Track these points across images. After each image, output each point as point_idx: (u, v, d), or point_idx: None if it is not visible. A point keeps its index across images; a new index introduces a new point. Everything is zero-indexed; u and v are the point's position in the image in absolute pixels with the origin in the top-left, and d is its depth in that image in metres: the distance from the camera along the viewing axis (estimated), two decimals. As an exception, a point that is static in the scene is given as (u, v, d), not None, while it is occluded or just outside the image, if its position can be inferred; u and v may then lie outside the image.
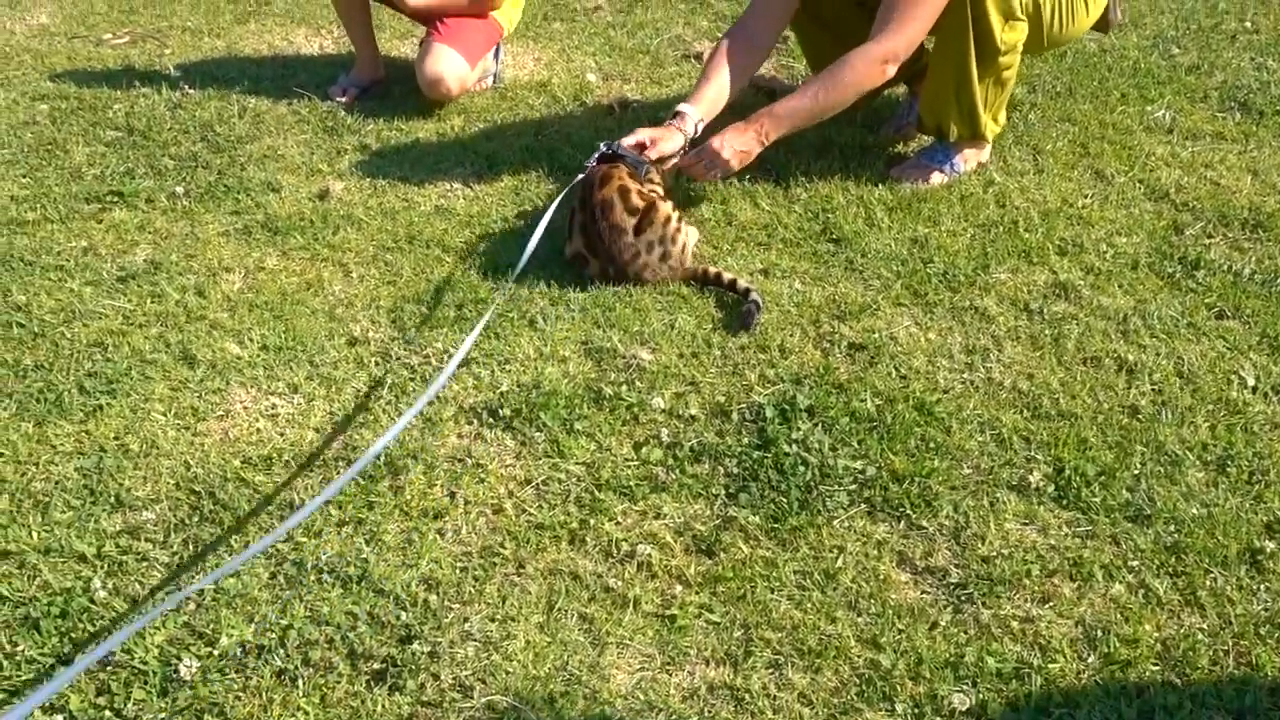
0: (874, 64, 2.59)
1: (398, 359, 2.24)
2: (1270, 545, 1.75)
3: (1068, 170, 2.92)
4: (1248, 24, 3.90)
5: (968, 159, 2.89)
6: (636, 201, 2.43)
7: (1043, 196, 2.79)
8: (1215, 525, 1.79)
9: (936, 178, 2.86)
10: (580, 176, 2.55)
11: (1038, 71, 3.47)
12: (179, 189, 2.95)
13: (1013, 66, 2.77)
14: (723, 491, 1.90)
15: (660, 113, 3.32)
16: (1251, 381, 2.12)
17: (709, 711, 1.54)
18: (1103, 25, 2.89)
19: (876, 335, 2.27)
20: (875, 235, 2.63)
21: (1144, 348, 2.22)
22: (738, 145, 2.62)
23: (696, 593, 1.72)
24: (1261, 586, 1.69)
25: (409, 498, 1.89)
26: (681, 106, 2.72)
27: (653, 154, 2.62)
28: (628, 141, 2.61)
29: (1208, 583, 1.69)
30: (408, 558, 1.78)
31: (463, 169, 3.04)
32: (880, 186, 2.84)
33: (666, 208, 2.46)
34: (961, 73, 2.70)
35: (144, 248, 2.69)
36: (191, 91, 3.58)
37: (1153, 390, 2.11)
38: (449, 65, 3.31)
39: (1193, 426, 2.01)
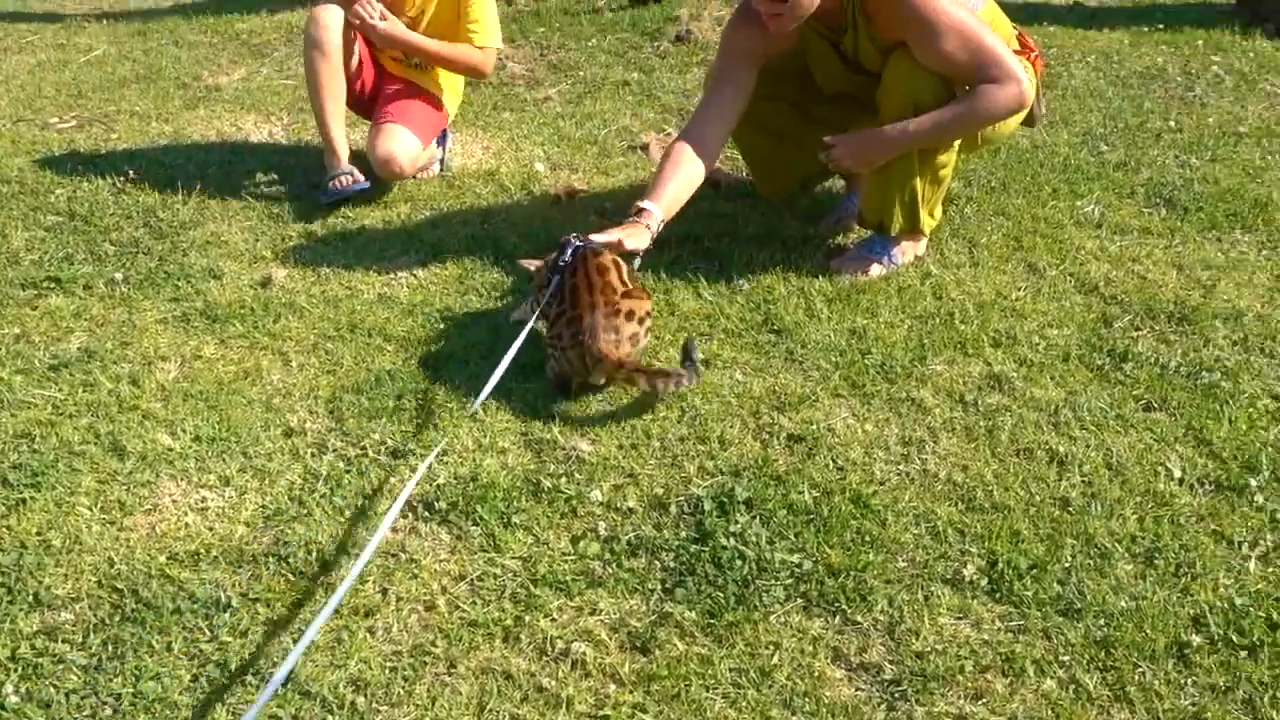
0: (1004, 94, 2.64)
1: (335, 450, 2.23)
2: (1197, 639, 1.77)
3: (1002, 263, 2.99)
4: (1172, 123, 4.05)
5: (905, 251, 2.95)
6: (629, 284, 2.46)
7: (978, 289, 2.85)
8: (1144, 619, 1.81)
9: (875, 269, 2.91)
10: (555, 274, 2.49)
11: (973, 167, 3.57)
12: (118, 275, 2.93)
13: (950, 164, 2.86)
14: (659, 586, 1.89)
15: (606, 203, 3.38)
16: (1178, 474, 2.16)
17: (641, 816, 1.51)
18: (1029, 121, 2.99)
19: (815, 426, 2.29)
20: (815, 326, 2.66)
21: (1074, 439, 2.26)
22: (872, 155, 2.77)
23: (630, 692, 1.70)
24: (1189, 680, 1.70)
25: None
26: (644, 204, 2.70)
27: (627, 246, 2.61)
28: (599, 238, 2.58)
29: (1136, 677, 1.71)
30: (336, 658, 1.74)
31: (407, 257, 3.06)
32: (820, 278, 2.89)
33: (650, 304, 2.47)
34: (904, 169, 2.78)
35: (79, 335, 2.66)
36: (136, 177, 3.58)
37: (1083, 482, 2.14)
38: (401, 144, 3.35)
39: (1121, 519, 2.04)
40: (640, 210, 2.69)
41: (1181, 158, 3.70)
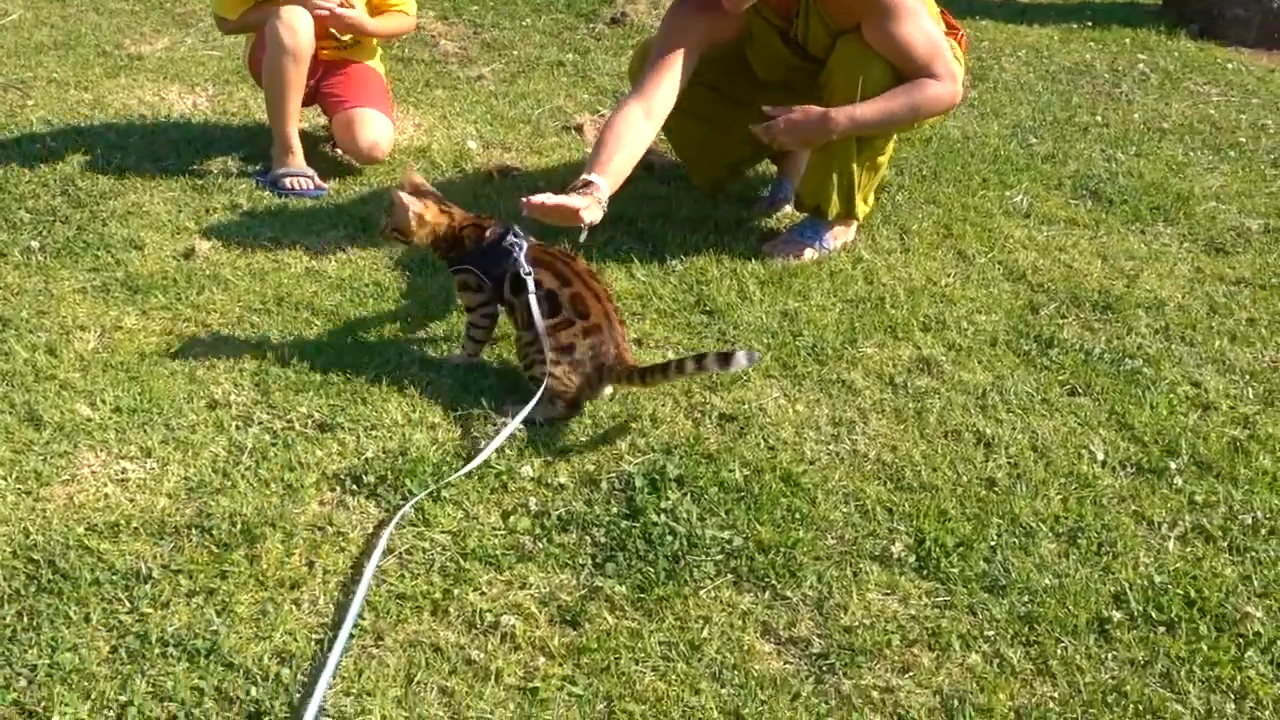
0: (944, 91, 2.71)
1: (260, 423, 2.18)
2: (1117, 615, 1.81)
3: (932, 250, 3.03)
4: (1099, 118, 4.14)
5: (837, 236, 2.98)
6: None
7: (908, 274, 2.89)
8: (1066, 595, 1.84)
9: (808, 253, 2.93)
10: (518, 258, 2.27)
11: (905, 155, 3.61)
12: (34, 244, 2.84)
13: (887, 152, 2.90)
14: (590, 561, 1.88)
15: (540, 182, 3.35)
16: (1101, 456, 2.21)
17: (569, 788, 1.50)
18: None
19: (746, 406, 2.29)
20: (748, 308, 2.67)
21: (1001, 422, 2.30)
22: (812, 135, 2.77)
23: (560, 665, 1.69)
24: (1109, 655, 1.74)
25: (265, 567, 1.82)
26: (591, 176, 2.55)
27: (585, 218, 2.46)
28: (553, 200, 2.39)
29: (1059, 652, 1.74)
30: (260, 630, 1.70)
31: (336, 231, 3.00)
32: (753, 260, 2.90)
33: None
34: (844, 153, 2.81)
35: (-8, 303, 2.57)
36: (54, 144, 3.46)
37: (1009, 463, 2.17)
38: (380, 129, 3.34)
39: (1046, 499, 2.08)
40: (587, 183, 2.54)
41: (1108, 151, 3.79)
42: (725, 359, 2.12)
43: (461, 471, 2.02)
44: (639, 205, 3.14)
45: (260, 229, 2.99)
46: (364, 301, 2.64)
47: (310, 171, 3.27)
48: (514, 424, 2.11)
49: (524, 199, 2.38)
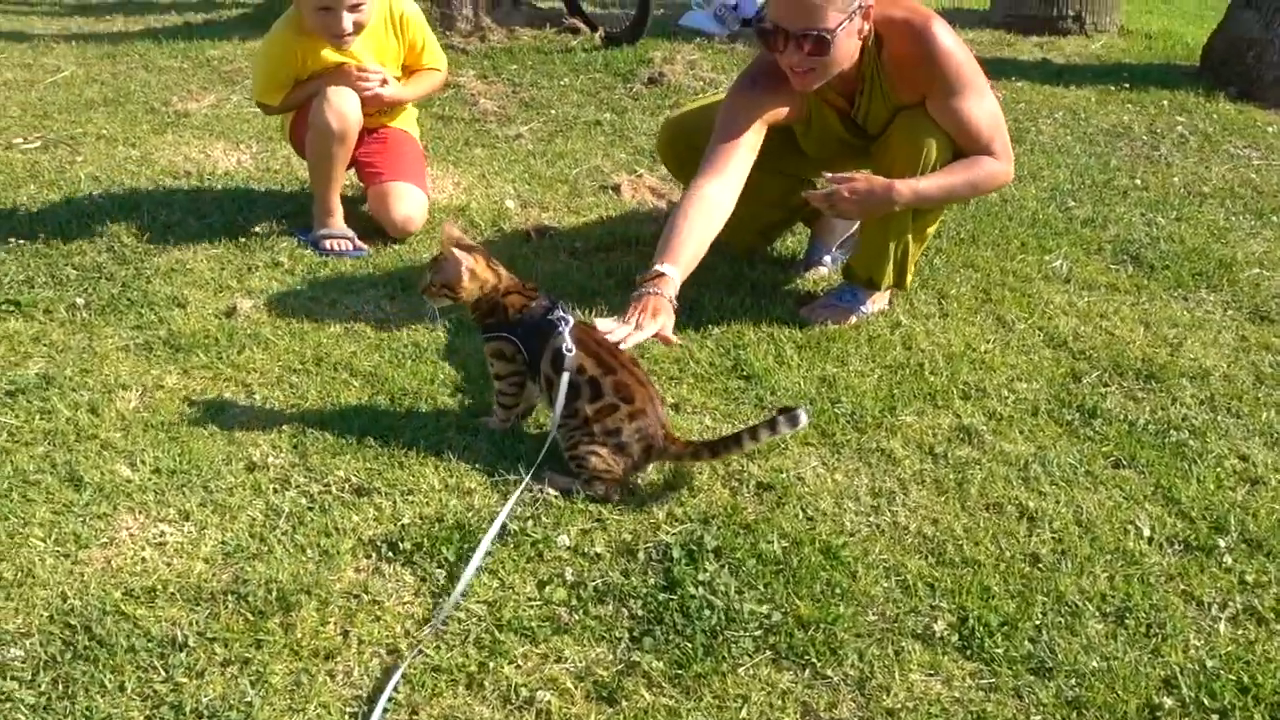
0: (1001, 170, 2.75)
1: (298, 486, 2.18)
2: (1169, 701, 1.76)
3: (971, 315, 3.01)
4: (1138, 181, 4.12)
5: (875, 301, 2.96)
6: None
7: (947, 340, 2.86)
8: (1115, 679, 1.80)
9: (851, 319, 2.92)
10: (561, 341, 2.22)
11: (943, 219, 3.60)
12: (79, 300, 2.87)
13: (936, 224, 2.92)
14: (626, 635, 1.86)
15: (577, 242, 3.37)
16: (1147, 532, 2.16)
17: None
18: None
19: (784, 475, 2.27)
20: (785, 373, 2.66)
21: (1044, 495, 2.26)
22: (876, 205, 2.72)
23: (596, 744, 1.66)
24: (1160, 744, 1.69)
25: (300, 636, 1.81)
26: (663, 267, 2.46)
27: (666, 332, 2.37)
28: (635, 338, 2.31)
29: (1109, 739, 1.69)
30: (295, 701, 1.69)
31: (375, 290, 3.02)
32: (790, 325, 2.89)
33: None
34: (900, 226, 2.82)
35: (37, 360, 2.60)
36: (101, 200, 3.52)
37: (1053, 539, 2.14)
38: (415, 204, 3.35)
39: (1092, 576, 2.03)
40: (659, 276, 2.44)
41: (1148, 215, 3.76)
42: (793, 419, 2.11)
43: (484, 538, 2.00)
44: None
45: (300, 287, 3.01)
46: (402, 363, 2.65)
47: (350, 233, 3.30)
48: (517, 492, 2.11)
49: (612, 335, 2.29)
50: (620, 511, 2.15)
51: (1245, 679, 1.80)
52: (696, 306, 2.94)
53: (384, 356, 2.68)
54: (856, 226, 3.15)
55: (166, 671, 1.72)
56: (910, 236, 2.86)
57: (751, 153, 2.71)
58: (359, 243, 3.30)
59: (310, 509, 2.11)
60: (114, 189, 3.64)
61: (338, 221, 3.32)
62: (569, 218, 3.63)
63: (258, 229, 3.37)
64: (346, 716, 1.67)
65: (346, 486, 2.18)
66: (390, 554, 2.01)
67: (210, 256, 3.19)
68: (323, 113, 3.14)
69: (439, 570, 1.96)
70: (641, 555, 2.03)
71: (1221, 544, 2.13)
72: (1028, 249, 3.44)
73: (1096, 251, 3.46)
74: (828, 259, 3.23)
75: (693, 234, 2.55)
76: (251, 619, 1.83)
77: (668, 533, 2.09)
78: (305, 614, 1.85)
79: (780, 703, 1.74)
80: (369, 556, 2.00)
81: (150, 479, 2.18)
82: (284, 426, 2.36)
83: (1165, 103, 5.10)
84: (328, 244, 3.27)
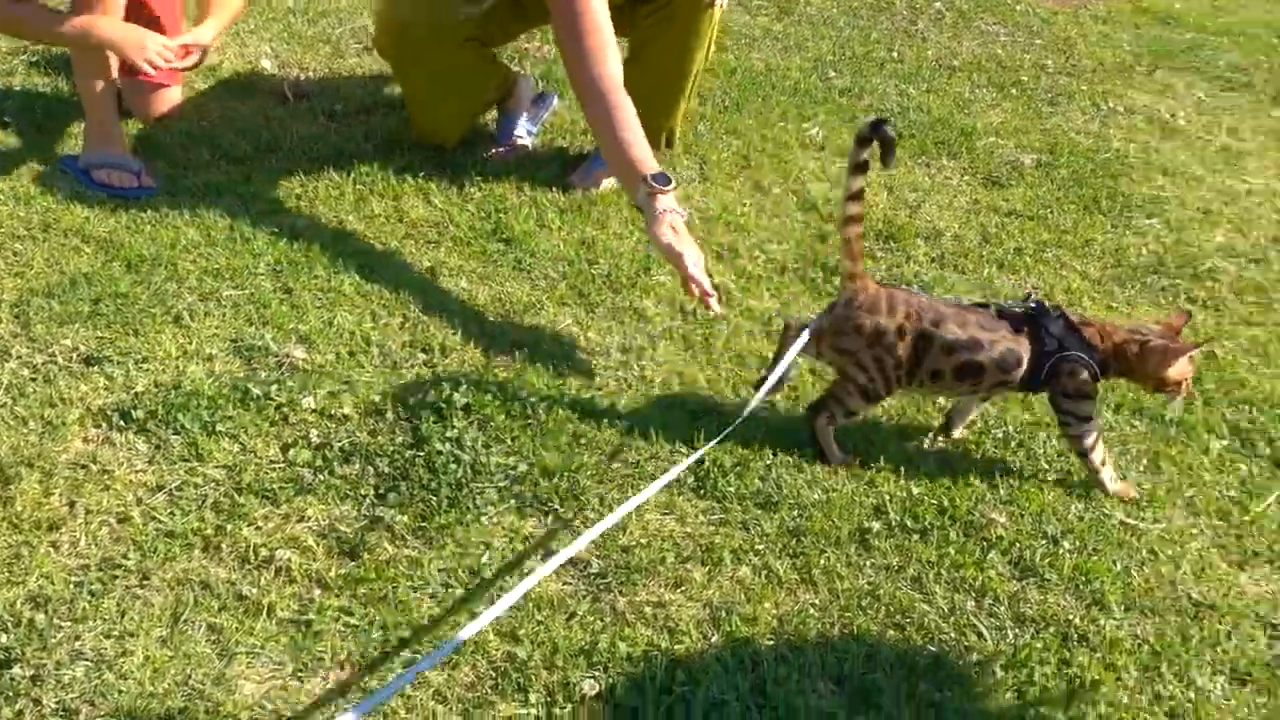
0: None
1: (19, 358, 2.06)
2: (877, 525, 1.92)
3: (730, 180, 3.09)
4: (895, 54, 4.27)
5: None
6: None
7: (705, 204, 2.93)
8: (832, 509, 1.94)
9: (607, 183, 2.94)
10: None
11: (709, 86, 3.65)
12: None
13: (696, 74, 2.96)
14: (372, 492, 1.87)
15: (337, 105, 3.24)
16: (873, 378, 2.32)
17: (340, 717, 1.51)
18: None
19: (538, 334, 2.31)
20: (545, 236, 2.67)
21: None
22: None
23: (336, 596, 1.68)
24: (867, 563, 1.85)
25: (20, 509, 1.74)
26: (651, 173, 2.29)
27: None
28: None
29: (822, 561, 1.84)
30: (13, 574, 1.63)
31: (112, 154, 2.83)
32: (554, 189, 2.89)
33: None
34: (691, 82, 2.89)
35: None
36: None
37: (789, 386, 2.26)
38: (170, 101, 3.07)
39: (822, 419, 2.17)
40: (659, 177, 2.29)
41: (901, 87, 3.92)
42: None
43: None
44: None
45: (26, 148, 2.80)
46: (140, 228, 2.51)
47: (136, 165, 2.73)
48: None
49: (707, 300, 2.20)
50: (370, 374, 2.14)
51: (945, 502, 1.98)
52: (460, 170, 2.90)
53: (121, 221, 2.53)
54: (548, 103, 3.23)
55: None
56: (672, 101, 2.86)
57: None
58: (146, 178, 2.71)
59: (33, 380, 2.01)
60: None
61: (120, 147, 2.76)
62: (330, 80, 3.48)
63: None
64: (71, 586, 1.63)
65: (74, 356, 2.08)
66: (122, 423, 1.94)
67: (-81, 117, 2.91)
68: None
69: (175, 437, 1.91)
70: (390, 415, 2.04)
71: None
72: (788, 117, 3.54)
73: (851, 120, 3.59)
74: (522, 130, 3.14)
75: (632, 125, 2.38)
76: (-35, 493, 1.75)
77: (417, 392, 2.09)
78: (26, 486, 1.77)
79: (522, 548, 1.80)
80: (99, 426, 1.93)
81: None
82: (4, 295, 2.22)
83: (927, -22, 5.28)
84: (102, 175, 2.68)
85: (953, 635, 1.74)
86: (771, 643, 1.68)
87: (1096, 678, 1.69)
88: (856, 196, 2.00)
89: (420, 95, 2.96)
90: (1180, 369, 2.01)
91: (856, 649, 1.68)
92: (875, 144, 1.99)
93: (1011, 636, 1.75)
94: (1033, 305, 2.05)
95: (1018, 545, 1.92)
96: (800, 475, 2.01)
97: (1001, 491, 2.04)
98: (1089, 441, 2.04)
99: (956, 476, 2.06)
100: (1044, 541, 1.94)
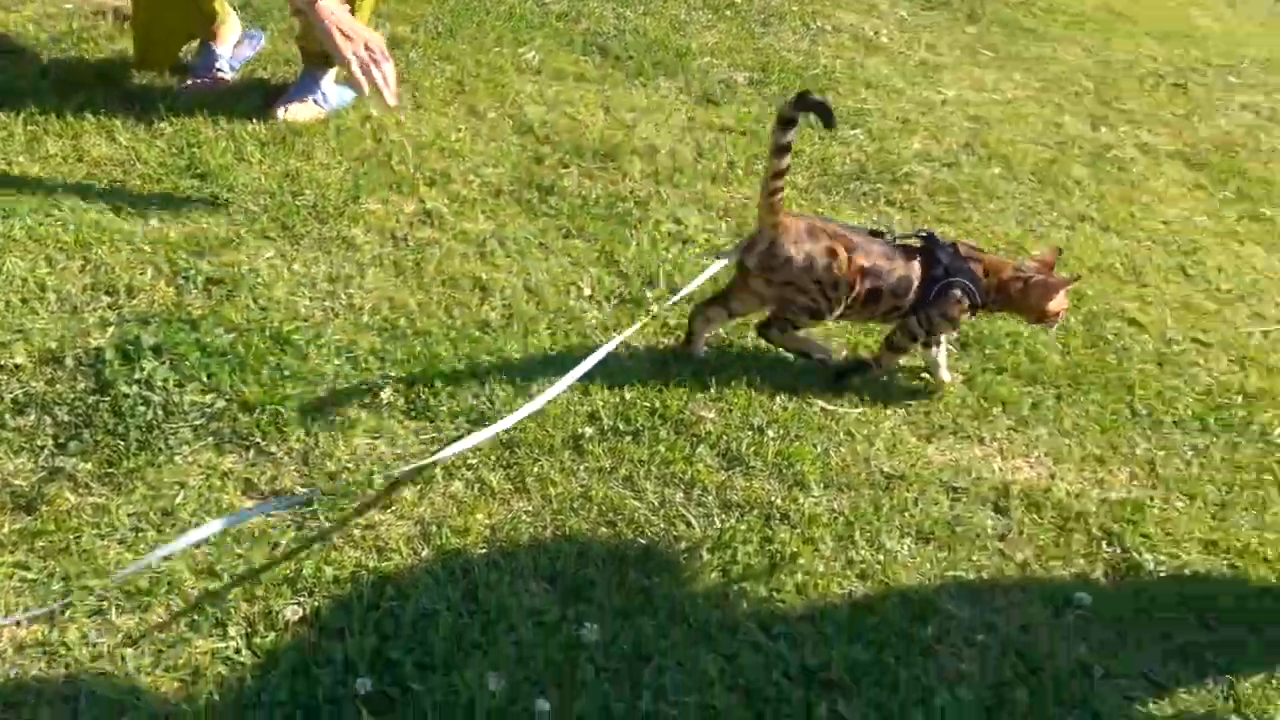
0: None
1: None
2: (590, 430, 1.95)
3: (444, 107, 3.03)
4: (613, -21, 4.29)
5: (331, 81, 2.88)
6: None
7: (419, 131, 2.87)
8: (547, 419, 1.96)
9: (313, 106, 2.82)
10: None
11: (421, 12, 3.55)
12: None
13: None
14: (50, 442, 1.75)
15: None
16: (588, 291, 2.34)
17: (18, 674, 1.41)
18: None
19: (236, 269, 2.20)
20: (244, 169, 2.54)
21: (498, 267, 2.37)
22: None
23: (11, 552, 1.56)
24: (581, 467, 1.88)
25: None
26: None
27: None
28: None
29: (535, 470, 1.86)
30: None
31: None
32: (254, 120, 2.74)
33: None
34: None
35: None
36: None
37: (503, 305, 2.25)
38: None
39: (536, 335, 2.18)
40: None
41: (618, 10, 3.93)
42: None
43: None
44: (125, 63, 2.87)
45: None
46: None
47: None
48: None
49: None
50: (45, 320, 1.98)
51: (656, 404, 2.04)
52: (147, 103, 2.71)
53: None
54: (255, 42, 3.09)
55: None
56: None
57: None
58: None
59: None
60: None
61: None
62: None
63: None
64: None
65: None
66: None
67: None
68: None
69: None
70: (69, 361, 1.90)
71: (650, 295, 2.36)
72: (504, 42, 3.49)
73: (568, 44, 3.59)
74: (224, 64, 2.95)
75: None
76: None
77: (100, 337, 1.95)
78: None
79: (220, 483, 1.73)
80: None
81: None
82: None
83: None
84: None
85: (662, 527, 1.79)
86: (484, 551, 1.69)
87: (795, 550, 1.79)
88: (779, 175, 2.02)
89: (142, 14, 2.81)
90: (1059, 302, 2.16)
91: (569, 548, 1.71)
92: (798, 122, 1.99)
93: (718, 522, 1.83)
94: (924, 235, 2.15)
95: (725, 438, 2.00)
96: (514, 388, 2.02)
97: (712, 390, 2.11)
98: (908, 346, 2.19)
99: (669, 380, 2.11)
100: (750, 432, 2.03)
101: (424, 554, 1.67)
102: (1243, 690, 1.71)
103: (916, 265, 2.12)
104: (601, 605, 1.63)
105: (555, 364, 2.10)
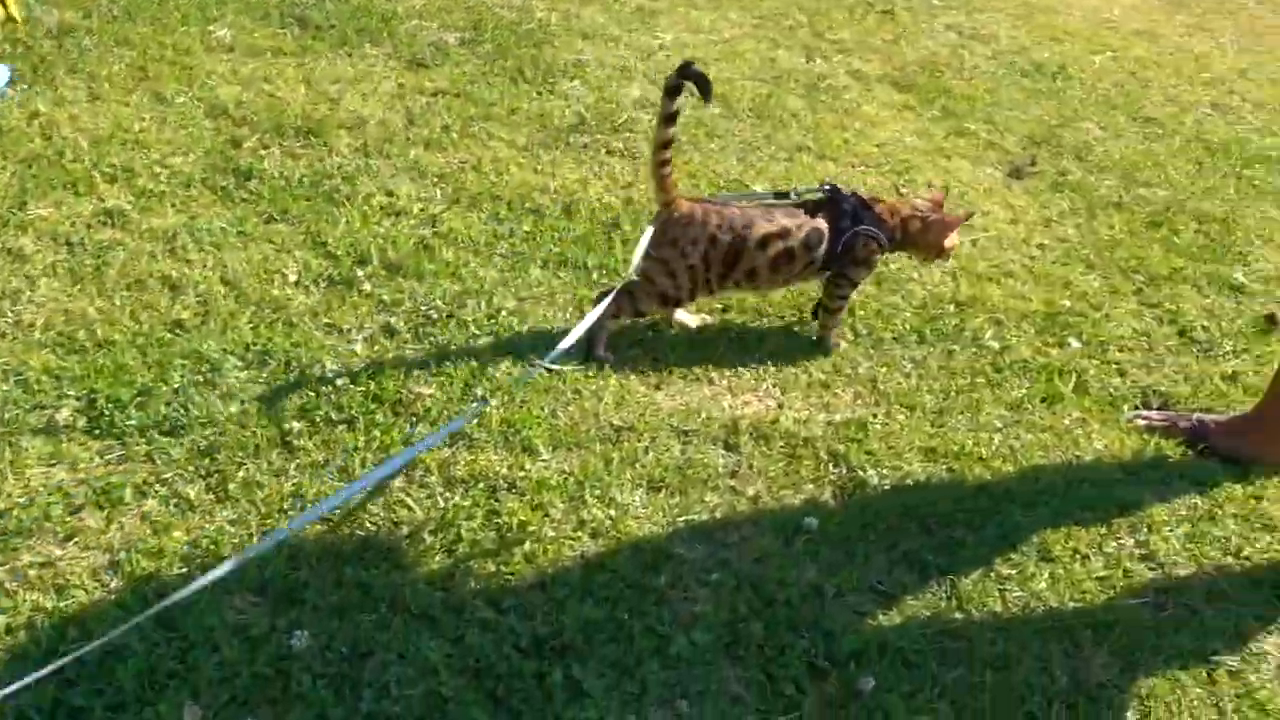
0: None
1: None
2: (299, 425, 1.84)
3: (126, 95, 2.80)
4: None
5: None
6: None
7: (96, 124, 2.64)
8: (250, 419, 1.83)
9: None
10: None
11: (94, -4, 3.27)
12: None
13: None
14: None
15: None
16: (293, 277, 2.21)
17: None
18: None
19: (-123, 298, 1.96)
20: (-115, 185, 2.26)
21: (191, 262, 2.21)
22: None
23: None
24: (291, 465, 1.77)
25: None
26: None
27: None
28: None
29: (240, 475, 1.73)
30: None
31: None
32: (-103, 130, 2.45)
33: None
34: None
35: None
36: None
37: (197, 302, 2.10)
38: None
39: (236, 330, 2.04)
40: None
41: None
42: None
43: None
44: None
45: None
46: None
47: None
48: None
49: None
50: None
51: (373, 387, 1.94)
52: None
53: None
54: None
55: None
56: None
57: None
58: None
59: None
60: None
61: None
62: None
63: None
64: None
65: None
66: None
67: None
68: None
69: None
70: None
71: (362, 274, 2.25)
72: (190, 20, 3.26)
73: (263, 17, 3.38)
74: None
75: None
76: None
77: None
78: None
79: None
80: None
81: None
82: None
83: None
84: None
85: (381, 514, 1.71)
86: (181, 571, 1.56)
87: (524, 519, 1.75)
88: (666, 144, 2.01)
89: None
90: (953, 239, 2.27)
91: (279, 553, 1.60)
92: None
93: (442, 502, 1.76)
94: (826, 188, 2.18)
95: (446, 412, 1.92)
96: (213, 392, 1.88)
97: (431, 366, 2.03)
98: (842, 304, 2.24)
99: (385, 359, 2.02)
100: (473, 403, 1.96)
101: (113, 585, 1.53)
102: (964, 587, 1.78)
103: (822, 219, 2.16)
104: (316, 608, 1.54)
105: (257, 360, 1.97)
